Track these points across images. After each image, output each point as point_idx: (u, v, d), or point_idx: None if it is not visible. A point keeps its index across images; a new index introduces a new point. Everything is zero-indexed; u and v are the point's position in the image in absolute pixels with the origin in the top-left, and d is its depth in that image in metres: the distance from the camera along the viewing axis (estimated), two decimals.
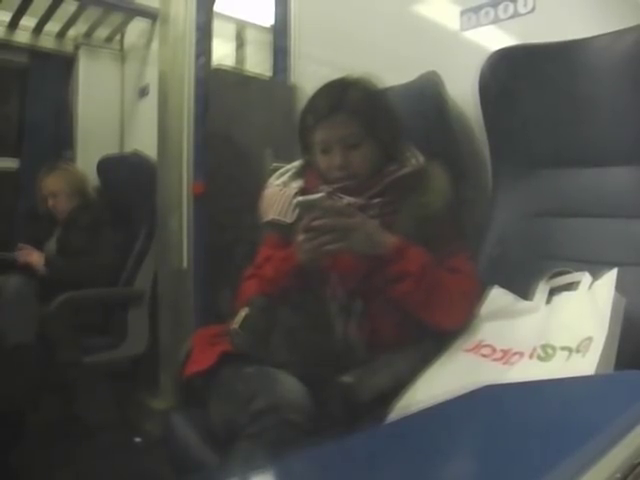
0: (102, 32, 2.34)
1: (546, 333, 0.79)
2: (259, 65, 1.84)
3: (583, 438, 0.38)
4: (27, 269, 1.74)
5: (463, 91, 1.08)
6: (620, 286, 0.76)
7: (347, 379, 0.78)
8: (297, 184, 1.00)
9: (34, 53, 2.22)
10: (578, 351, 0.73)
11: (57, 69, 2.30)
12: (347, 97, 0.93)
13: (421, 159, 0.98)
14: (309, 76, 1.65)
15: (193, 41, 1.53)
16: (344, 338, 0.88)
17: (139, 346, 1.78)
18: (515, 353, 0.79)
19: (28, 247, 1.81)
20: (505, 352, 0.81)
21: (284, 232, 0.96)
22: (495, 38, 1.19)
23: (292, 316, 0.89)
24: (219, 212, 1.51)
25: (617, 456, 0.35)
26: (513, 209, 1.03)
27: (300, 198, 0.87)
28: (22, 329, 1.56)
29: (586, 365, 0.70)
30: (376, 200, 0.94)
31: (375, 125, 0.94)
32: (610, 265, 0.80)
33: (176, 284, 1.55)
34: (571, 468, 0.34)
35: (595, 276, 0.81)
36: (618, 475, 0.35)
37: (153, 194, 1.61)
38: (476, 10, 1.24)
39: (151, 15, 2.15)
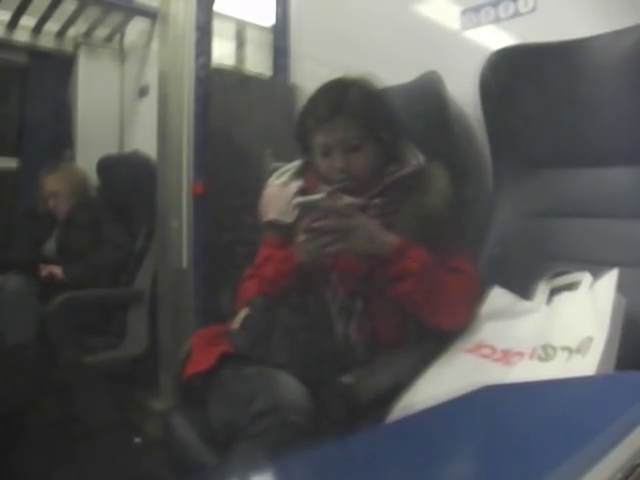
0: (102, 32, 2.34)
1: (546, 333, 0.78)
2: (259, 65, 1.84)
3: (584, 439, 0.38)
4: (50, 278, 1.77)
5: (463, 91, 1.08)
6: (621, 286, 0.76)
7: (347, 380, 0.78)
8: (297, 184, 1.00)
9: (34, 52, 2.22)
10: (578, 351, 0.73)
11: (57, 68, 2.30)
12: (347, 99, 0.93)
13: (421, 159, 0.98)
14: (309, 76, 1.64)
15: (193, 41, 1.53)
16: (344, 338, 0.88)
17: (139, 346, 1.77)
18: (515, 353, 0.79)
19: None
20: (505, 352, 0.81)
21: (284, 232, 0.96)
22: (495, 38, 1.19)
23: (292, 316, 0.89)
24: (219, 212, 1.51)
25: (618, 457, 0.35)
26: (513, 209, 1.03)
27: (300, 198, 0.87)
28: (22, 329, 1.56)
29: (587, 365, 0.70)
30: (377, 200, 0.93)
31: (375, 126, 0.93)
32: (610, 265, 0.80)
33: (176, 284, 1.55)
34: (572, 469, 0.34)
35: (596, 276, 0.81)
36: (619, 476, 0.35)
37: (153, 194, 1.61)
38: (477, 10, 1.24)
39: (151, 15, 2.14)
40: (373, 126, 0.93)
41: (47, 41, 2.24)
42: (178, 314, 1.54)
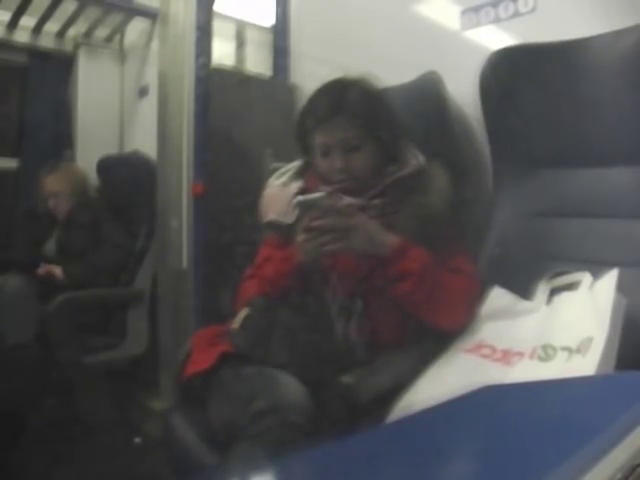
0: (102, 32, 2.34)
1: (546, 333, 0.78)
2: (259, 65, 1.84)
3: (584, 439, 0.38)
4: (48, 277, 1.77)
5: (463, 91, 1.08)
6: (621, 286, 0.76)
7: (347, 379, 0.78)
8: (297, 184, 1.00)
9: (34, 53, 2.22)
10: (578, 351, 0.73)
11: (57, 69, 2.30)
12: (346, 99, 0.93)
13: (421, 159, 0.98)
14: (309, 76, 1.64)
15: (193, 41, 1.53)
16: (344, 338, 0.88)
17: (139, 346, 1.77)
18: (515, 353, 0.79)
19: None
20: (505, 352, 0.81)
21: (284, 232, 0.96)
22: (495, 38, 1.19)
23: (292, 316, 0.89)
24: (219, 212, 1.51)
25: (618, 457, 0.35)
26: (513, 209, 1.03)
27: (300, 197, 0.87)
28: (22, 329, 1.56)
29: (587, 365, 0.70)
30: (377, 200, 0.93)
31: (375, 126, 0.93)
32: (610, 265, 0.80)
33: (176, 284, 1.55)
34: (572, 469, 0.34)
35: (596, 276, 0.81)
36: (619, 476, 0.35)
37: (153, 194, 1.61)
38: (477, 10, 1.24)
39: (151, 15, 2.14)
40: (373, 126, 0.93)
41: (47, 41, 2.24)
42: (178, 314, 1.54)
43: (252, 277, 0.98)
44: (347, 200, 0.91)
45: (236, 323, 0.90)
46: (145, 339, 1.78)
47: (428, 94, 1.10)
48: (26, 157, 2.21)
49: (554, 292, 0.86)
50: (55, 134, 2.29)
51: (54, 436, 1.42)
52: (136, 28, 2.31)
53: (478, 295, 0.91)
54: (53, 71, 2.28)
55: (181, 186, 1.53)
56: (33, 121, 2.22)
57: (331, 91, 0.96)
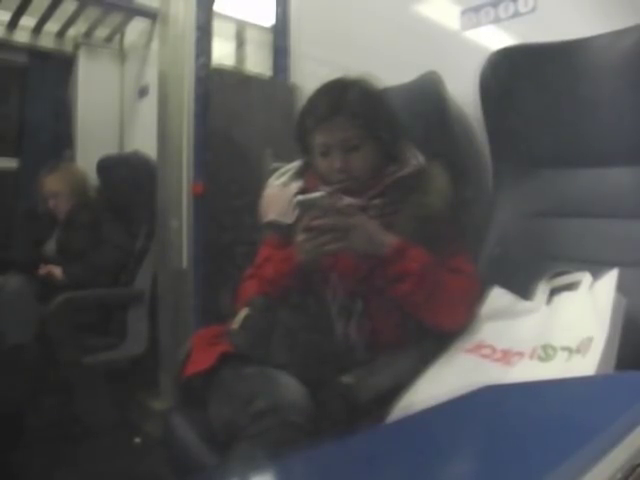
0: (102, 32, 2.34)
1: (546, 333, 0.78)
2: (259, 65, 1.84)
3: (584, 439, 0.38)
4: (48, 278, 1.77)
5: (463, 91, 1.08)
6: (621, 286, 0.76)
7: (347, 379, 0.78)
8: (297, 184, 1.00)
9: (34, 53, 2.22)
10: (578, 351, 0.73)
11: (57, 69, 2.30)
12: (346, 99, 0.93)
13: (421, 159, 0.98)
14: (309, 76, 1.64)
15: (193, 41, 1.53)
16: (344, 338, 0.88)
17: (139, 346, 1.77)
18: (515, 353, 0.79)
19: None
20: (505, 352, 0.81)
21: (284, 232, 0.96)
22: (495, 38, 1.19)
23: (292, 316, 0.89)
24: (219, 212, 1.51)
25: (618, 457, 0.35)
26: (513, 209, 1.03)
27: (300, 197, 0.87)
28: (22, 329, 1.56)
29: (587, 365, 0.70)
30: (376, 200, 0.93)
31: (375, 126, 0.93)
32: (610, 265, 0.80)
33: (176, 284, 1.55)
34: (572, 469, 0.34)
35: (596, 276, 0.81)
36: (619, 476, 0.35)
37: (153, 194, 1.61)
38: (477, 10, 1.24)
39: (151, 15, 2.14)
40: (372, 126, 0.93)
41: (47, 41, 2.24)
42: (178, 314, 1.54)
43: (252, 277, 0.98)
44: (347, 200, 0.91)
45: (236, 323, 0.90)
46: (145, 339, 1.78)
47: (428, 94, 1.10)
48: (26, 157, 2.21)
49: (554, 292, 0.86)
50: (55, 134, 2.29)
51: (54, 436, 1.42)
52: (136, 28, 2.30)
53: (478, 295, 0.91)
54: (53, 71, 2.28)
55: (181, 186, 1.53)
56: (33, 121, 2.22)
57: (331, 91, 0.96)
